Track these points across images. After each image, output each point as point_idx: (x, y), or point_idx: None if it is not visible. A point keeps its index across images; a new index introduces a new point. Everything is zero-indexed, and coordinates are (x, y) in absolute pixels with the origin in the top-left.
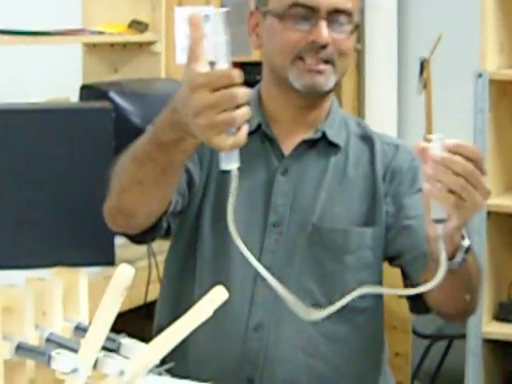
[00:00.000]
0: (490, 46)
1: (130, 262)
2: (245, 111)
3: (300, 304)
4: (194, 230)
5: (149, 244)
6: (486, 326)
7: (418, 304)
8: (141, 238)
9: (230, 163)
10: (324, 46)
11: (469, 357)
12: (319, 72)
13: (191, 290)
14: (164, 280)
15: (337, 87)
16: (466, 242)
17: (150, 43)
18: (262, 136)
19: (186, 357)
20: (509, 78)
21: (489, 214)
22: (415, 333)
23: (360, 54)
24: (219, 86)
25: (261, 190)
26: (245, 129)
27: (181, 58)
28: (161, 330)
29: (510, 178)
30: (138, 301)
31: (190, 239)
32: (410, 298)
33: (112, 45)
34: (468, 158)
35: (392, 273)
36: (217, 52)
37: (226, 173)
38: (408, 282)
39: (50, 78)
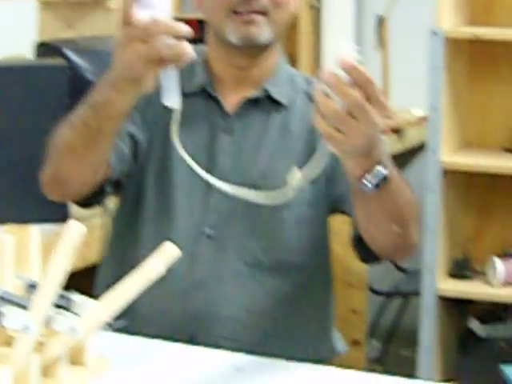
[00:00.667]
0: (445, 3)
1: (85, 219)
2: (169, 43)
3: (259, 192)
4: (138, 189)
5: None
6: (440, 283)
7: (365, 251)
8: (85, 202)
9: (170, 99)
10: None
11: (423, 314)
12: (253, 23)
13: (136, 249)
14: (109, 239)
15: (291, 46)
16: (382, 170)
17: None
18: (206, 96)
19: (133, 314)
20: (464, 36)
21: (444, 171)
22: (371, 290)
23: (317, 11)
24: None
25: (205, 149)
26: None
27: (137, 13)
28: (104, 288)
29: (465, 136)
30: (92, 259)
31: (134, 198)
32: (357, 245)
33: (67, 1)
34: (358, 84)
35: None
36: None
37: (168, 109)
38: (352, 231)
39: (5, 35)
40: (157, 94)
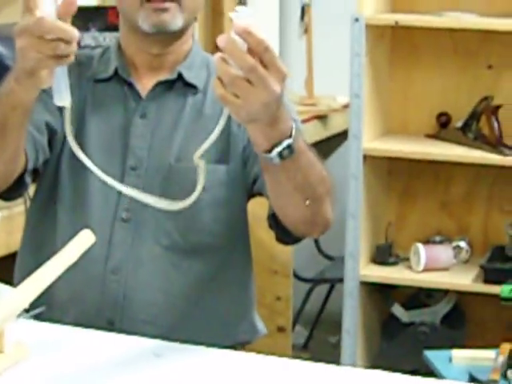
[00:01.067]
0: None
1: (7, 207)
2: (57, 45)
3: (163, 200)
4: (53, 176)
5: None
6: (363, 268)
7: (282, 230)
8: (6, 195)
9: (61, 99)
10: None
11: (346, 299)
12: (165, 10)
13: (53, 236)
14: (26, 227)
15: (216, 34)
16: (287, 141)
17: None
18: (119, 80)
19: (51, 301)
20: (385, 23)
21: (365, 157)
22: (296, 277)
23: None
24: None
25: (119, 133)
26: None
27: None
28: (22, 276)
29: (386, 122)
30: (16, 246)
31: (50, 185)
32: (274, 225)
33: None
34: (253, 49)
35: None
36: None
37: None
38: (268, 210)
39: None
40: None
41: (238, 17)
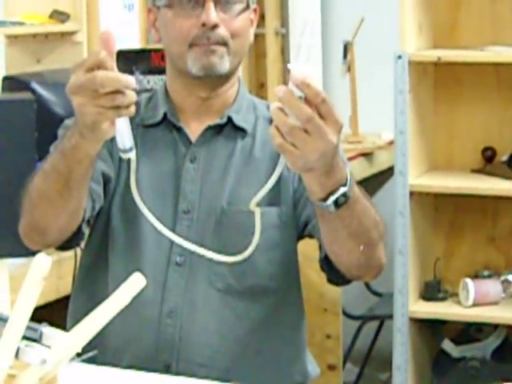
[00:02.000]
0: (408, 27)
1: (56, 252)
2: (114, 97)
3: (220, 255)
4: (106, 221)
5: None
6: (412, 305)
7: (333, 272)
8: (64, 245)
9: (126, 152)
10: (214, 28)
11: (396, 336)
12: (214, 52)
13: (105, 281)
14: (78, 272)
15: (260, 73)
16: (343, 189)
17: (72, 33)
18: (169, 125)
19: (104, 345)
20: (428, 59)
21: (411, 194)
22: (346, 314)
23: (284, 38)
24: (89, 66)
25: (170, 178)
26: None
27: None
28: (75, 321)
29: (431, 158)
30: (66, 291)
31: (103, 230)
32: (326, 267)
33: (34, 35)
34: (310, 100)
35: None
36: None
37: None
38: (320, 252)
39: None
40: None
41: (295, 67)
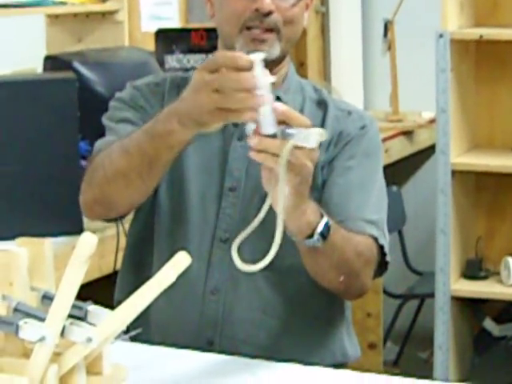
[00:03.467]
0: (450, 6)
1: (99, 230)
2: (240, 97)
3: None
4: (152, 199)
5: None
6: (454, 283)
7: None
8: (112, 218)
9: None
10: (268, 14)
11: (438, 315)
12: (263, 41)
13: (151, 258)
14: (126, 249)
15: (299, 52)
16: (323, 220)
17: (113, 12)
18: None
19: (148, 323)
20: (469, 38)
21: (453, 172)
22: (386, 293)
23: (324, 16)
24: (218, 65)
25: (217, 155)
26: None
27: (146, 25)
28: (123, 297)
29: (473, 137)
30: (108, 269)
31: (148, 208)
32: None
33: (75, 15)
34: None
35: None
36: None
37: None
38: None
39: (14, 50)
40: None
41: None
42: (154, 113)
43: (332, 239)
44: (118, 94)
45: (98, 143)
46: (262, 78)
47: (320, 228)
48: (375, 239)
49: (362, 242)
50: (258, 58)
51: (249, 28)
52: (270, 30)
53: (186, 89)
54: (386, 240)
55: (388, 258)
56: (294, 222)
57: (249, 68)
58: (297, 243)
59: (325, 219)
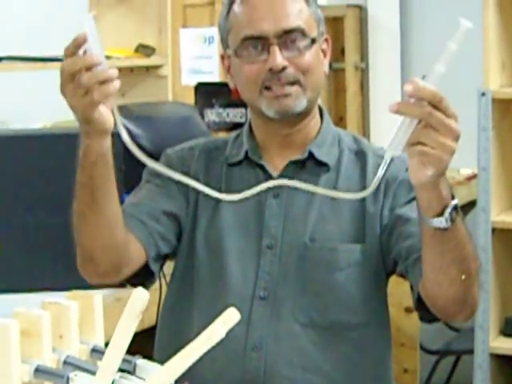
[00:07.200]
0: (492, 64)
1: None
2: (93, 74)
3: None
4: (188, 257)
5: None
6: (493, 341)
7: (426, 314)
8: (134, 282)
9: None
10: (282, 70)
11: (477, 372)
12: (287, 95)
13: (190, 317)
14: (163, 308)
15: (339, 107)
16: (454, 201)
17: (157, 67)
18: (251, 163)
19: (193, 379)
20: (511, 97)
21: (493, 230)
22: (423, 349)
23: (364, 72)
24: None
25: (253, 214)
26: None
27: (186, 79)
28: (161, 352)
29: None
30: (150, 322)
31: (185, 266)
32: (419, 308)
33: (119, 69)
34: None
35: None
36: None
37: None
38: (412, 293)
39: (57, 102)
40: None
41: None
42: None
43: (458, 226)
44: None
45: None
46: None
47: (450, 208)
48: None
49: (473, 244)
50: (88, 19)
51: (268, 88)
52: (291, 83)
53: (216, 155)
54: None
55: None
56: (427, 193)
57: (96, 63)
58: (423, 229)
59: (456, 200)
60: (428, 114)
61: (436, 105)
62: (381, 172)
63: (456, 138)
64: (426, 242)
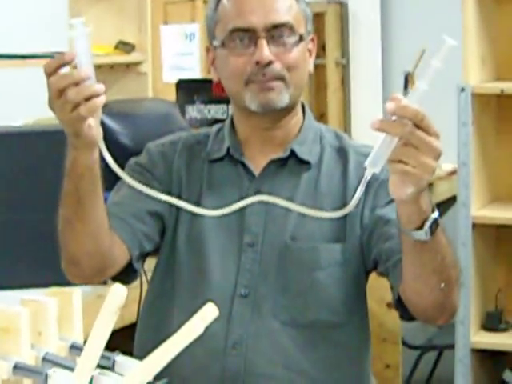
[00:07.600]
0: (471, 59)
1: None
2: (80, 89)
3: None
4: (170, 254)
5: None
6: (474, 335)
7: (405, 310)
8: (119, 279)
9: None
10: (268, 64)
11: (458, 366)
12: (270, 89)
13: (170, 312)
14: (143, 305)
15: (320, 103)
16: (434, 214)
17: (137, 63)
18: (232, 159)
19: (172, 375)
20: (491, 92)
21: (474, 225)
22: (405, 344)
23: (345, 68)
24: (53, 68)
25: (235, 212)
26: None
27: (168, 75)
28: (142, 349)
29: (494, 190)
30: (131, 319)
31: (167, 263)
32: (399, 307)
33: (99, 66)
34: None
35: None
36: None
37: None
38: (393, 292)
39: (37, 100)
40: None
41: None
42: (157, 172)
43: (438, 238)
44: (132, 159)
45: None
46: (83, 56)
47: (430, 222)
48: None
49: (454, 252)
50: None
51: (253, 81)
52: (276, 78)
53: (198, 150)
54: None
55: None
56: (407, 207)
57: (85, 78)
58: (403, 239)
59: (436, 213)
60: (409, 132)
61: (418, 123)
62: (360, 191)
63: (437, 156)
64: (406, 252)
